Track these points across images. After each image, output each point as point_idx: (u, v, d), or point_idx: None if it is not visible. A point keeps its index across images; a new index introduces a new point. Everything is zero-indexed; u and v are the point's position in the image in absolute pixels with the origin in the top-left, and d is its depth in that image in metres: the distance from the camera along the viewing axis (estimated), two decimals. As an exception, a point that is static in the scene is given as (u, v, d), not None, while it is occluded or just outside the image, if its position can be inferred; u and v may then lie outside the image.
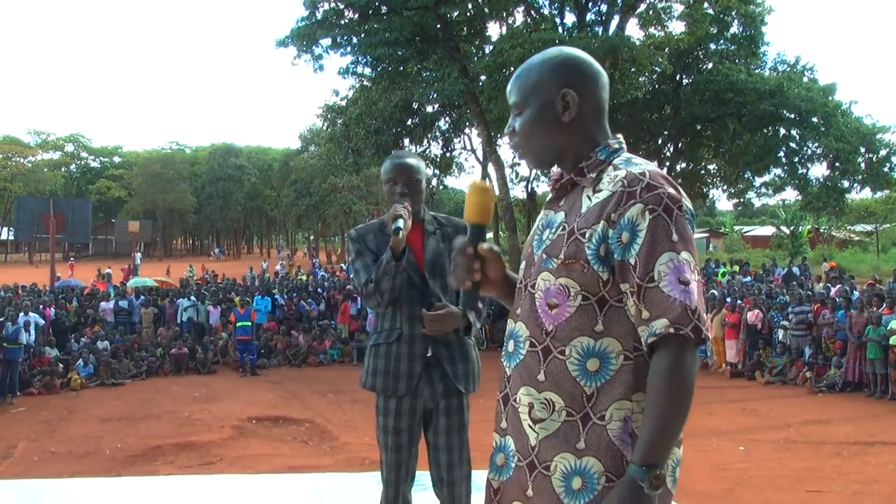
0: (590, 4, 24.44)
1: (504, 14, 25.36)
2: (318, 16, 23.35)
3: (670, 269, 1.66)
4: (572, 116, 1.86)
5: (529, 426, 1.80)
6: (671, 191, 1.71)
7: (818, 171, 29.53)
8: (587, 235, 1.74)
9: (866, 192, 34.16)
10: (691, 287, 1.66)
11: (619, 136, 1.92)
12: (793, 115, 26.15)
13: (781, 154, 27.87)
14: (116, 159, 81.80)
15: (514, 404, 1.84)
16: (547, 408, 1.77)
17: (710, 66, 28.05)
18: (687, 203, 1.74)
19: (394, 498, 3.38)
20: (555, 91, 1.86)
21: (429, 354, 3.30)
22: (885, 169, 27.28)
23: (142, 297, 21.45)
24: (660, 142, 30.61)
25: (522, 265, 1.95)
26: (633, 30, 38.87)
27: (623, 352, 1.73)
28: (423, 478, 3.54)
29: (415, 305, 3.28)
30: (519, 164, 37.89)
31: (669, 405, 1.65)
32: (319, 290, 23.04)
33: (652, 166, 1.78)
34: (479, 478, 3.41)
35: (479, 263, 1.95)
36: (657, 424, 1.65)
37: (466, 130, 35.38)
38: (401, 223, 3.12)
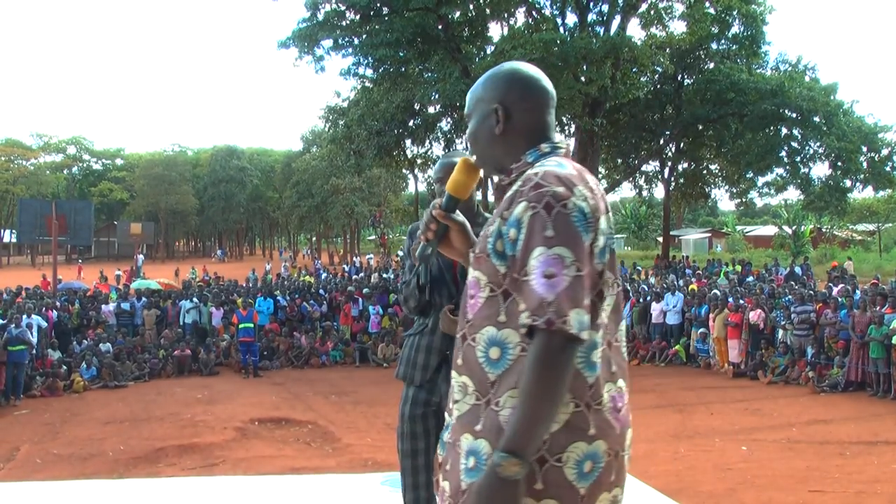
0: (591, 5, 24.44)
1: (505, 15, 25.38)
2: (320, 17, 23.36)
3: (539, 262, 1.73)
4: (502, 129, 1.99)
5: (452, 405, 1.93)
6: (558, 189, 1.78)
7: (820, 170, 29.62)
8: (490, 232, 1.88)
9: (868, 192, 34.16)
10: (555, 280, 1.71)
11: (558, 140, 2.01)
12: (794, 115, 26.16)
13: (783, 154, 27.88)
14: (119, 161, 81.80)
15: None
16: (462, 390, 1.90)
17: (712, 65, 28.09)
18: (577, 202, 1.79)
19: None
20: (491, 105, 2.00)
21: (448, 351, 3.30)
22: (887, 168, 27.29)
23: (143, 300, 21.46)
24: (661, 142, 30.63)
25: None
26: (635, 30, 38.99)
27: (520, 343, 1.80)
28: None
29: (444, 302, 3.33)
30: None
31: (530, 395, 1.69)
32: (322, 291, 23.05)
33: (555, 166, 1.86)
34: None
35: (435, 224, 2.13)
36: (519, 412, 1.71)
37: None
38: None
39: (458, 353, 1.94)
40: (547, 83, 2.05)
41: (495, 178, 2.09)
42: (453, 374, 1.96)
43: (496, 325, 1.85)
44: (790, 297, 17.34)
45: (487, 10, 24.46)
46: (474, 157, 2.12)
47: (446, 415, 2.00)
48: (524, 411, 1.70)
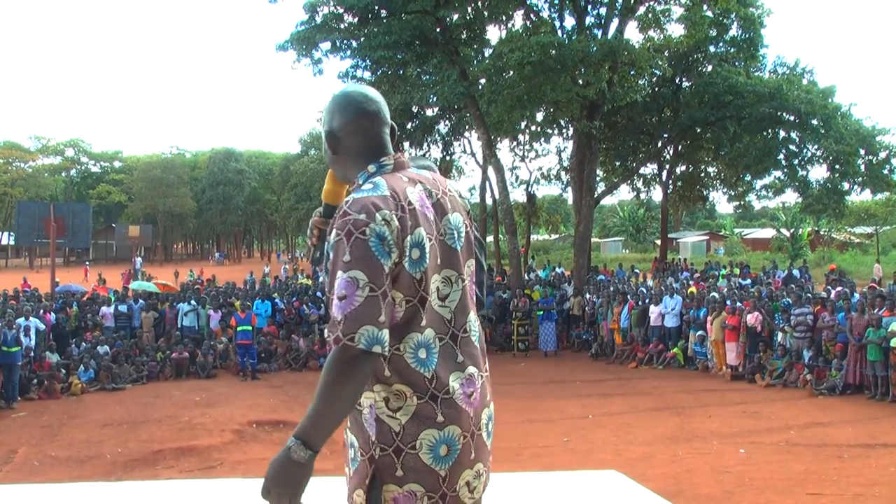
0: (589, 7, 24.48)
1: (503, 17, 25.40)
2: (318, 20, 23.39)
3: (336, 285, 1.93)
4: (334, 153, 2.23)
5: None
6: (359, 217, 1.96)
7: (818, 173, 29.56)
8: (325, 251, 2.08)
9: (866, 195, 34.21)
10: (345, 302, 1.91)
11: (386, 157, 2.19)
12: (792, 118, 26.18)
13: (781, 156, 27.88)
14: (117, 164, 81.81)
15: None
16: None
17: (710, 68, 28.09)
18: (376, 227, 1.96)
19: None
20: (324, 131, 2.23)
21: None
22: (885, 171, 27.29)
23: (141, 302, 21.43)
24: (659, 144, 30.64)
25: None
26: (633, 33, 38.90)
27: None
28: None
29: None
30: (518, 168, 38.04)
31: (320, 395, 1.93)
32: (319, 294, 23.04)
33: (367, 192, 2.03)
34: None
35: (318, 231, 2.40)
36: (311, 408, 1.96)
37: (466, 134, 35.44)
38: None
39: None
40: (373, 103, 2.21)
41: None
42: None
43: None
44: (788, 299, 17.34)
45: (485, 13, 24.49)
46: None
47: None
48: (315, 408, 1.94)
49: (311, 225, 2.41)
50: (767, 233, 63.41)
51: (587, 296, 22.32)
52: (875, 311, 14.21)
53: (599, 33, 23.64)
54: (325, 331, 2.00)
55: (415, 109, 29.22)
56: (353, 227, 1.94)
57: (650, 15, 24.48)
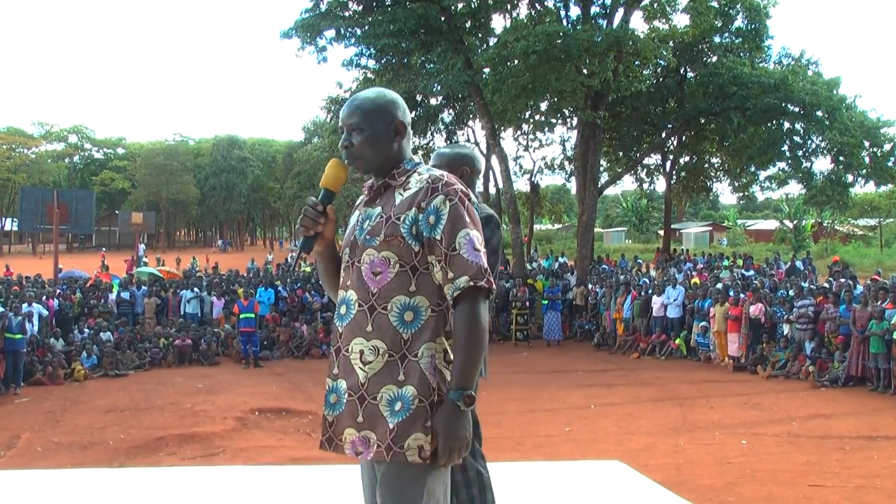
0: (594, -3, 24.38)
1: (508, 6, 25.27)
2: (323, 7, 23.29)
3: (467, 240, 2.28)
4: (397, 137, 2.47)
5: (360, 368, 2.33)
6: (462, 188, 2.37)
7: (822, 164, 29.53)
8: (401, 219, 2.34)
9: (870, 187, 34.08)
10: (481, 253, 2.29)
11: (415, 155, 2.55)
12: (797, 109, 26.09)
13: (785, 148, 27.79)
14: (120, 150, 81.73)
15: (346, 353, 2.37)
16: (374, 352, 2.31)
17: (715, 59, 27.99)
18: (473, 198, 2.45)
19: None
20: (394, 119, 2.46)
21: None
22: (890, 163, 27.18)
23: (144, 288, 21.46)
24: (664, 135, 30.57)
25: (346, 251, 2.48)
26: (638, 22, 38.80)
27: (430, 306, 2.32)
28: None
29: None
30: (522, 157, 37.94)
31: (471, 342, 2.24)
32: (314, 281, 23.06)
33: (445, 174, 2.41)
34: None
35: (323, 219, 2.52)
36: (463, 358, 2.24)
37: (470, 123, 35.30)
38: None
39: (364, 323, 2.34)
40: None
41: (366, 183, 2.54)
42: (358, 341, 2.34)
43: (407, 294, 2.32)
44: (790, 290, 17.31)
45: (490, 2, 24.36)
46: (346, 159, 2.51)
47: (333, 381, 2.41)
48: (468, 356, 2.24)
49: (313, 213, 2.50)
50: (771, 224, 63.31)
51: (590, 286, 22.33)
52: (878, 303, 14.19)
53: (604, 23, 23.56)
54: (464, 279, 2.25)
55: (419, 98, 29.10)
56: (465, 196, 2.35)
57: (655, 5, 24.38)
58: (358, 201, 2.58)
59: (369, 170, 2.48)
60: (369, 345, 2.32)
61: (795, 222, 49.75)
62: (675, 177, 33.41)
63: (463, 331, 2.24)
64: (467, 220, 2.30)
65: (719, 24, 27.06)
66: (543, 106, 28.59)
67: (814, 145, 27.65)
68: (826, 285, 18.17)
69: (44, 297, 18.70)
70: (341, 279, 2.49)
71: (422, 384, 2.27)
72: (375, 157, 2.45)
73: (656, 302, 19.19)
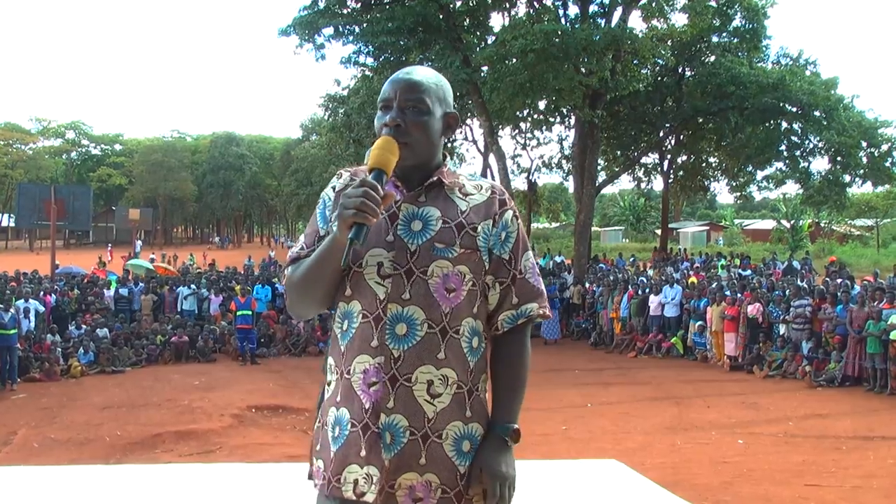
0: (592, -5, 24.37)
1: (507, 4, 25.27)
2: (321, 5, 23.28)
3: (532, 264, 2.14)
4: (448, 131, 2.17)
5: (427, 401, 1.98)
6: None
7: (819, 165, 29.49)
8: (477, 230, 2.05)
9: (867, 187, 34.17)
10: (541, 279, 2.16)
11: None
12: (795, 109, 26.15)
13: (783, 148, 27.88)
14: (117, 147, 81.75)
15: (407, 383, 1.97)
16: (444, 383, 1.99)
17: (713, 58, 28.03)
18: None
19: None
20: (449, 110, 2.16)
21: None
22: (887, 164, 27.27)
23: (141, 285, 21.45)
24: (661, 134, 30.61)
25: (384, 252, 2.01)
26: (636, 22, 38.82)
27: (484, 332, 2.10)
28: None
29: None
30: (520, 156, 37.94)
31: (524, 374, 2.12)
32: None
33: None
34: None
35: (386, 203, 1.97)
36: (519, 393, 2.11)
37: (468, 121, 35.29)
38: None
39: (436, 348, 1.99)
40: None
41: (393, 177, 2.05)
42: (426, 368, 1.98)
43: (472, 316, 2.05)
44: (786, 290, 17.32)
45: (488, 0, 24.38)
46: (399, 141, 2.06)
47: (386, 417, 1.97)
48: (520, 390, 2.11)
49: (374, 197, 1.90)
50: (768, 224, 63.42)
51: (587, 284, 22.32)
52: (875, 303, 14.20)
53: (603, 22, 23.55)
54: (536, 306, 2.12)
55: (417, 96, 29.14)
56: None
57: (654, 4, 24.37)
58: (339, 188, 2.14)
59: (413, 159, 2.06)
60: (439, 374, 1.98)
61: (792, 222, 49.81)
62: (672, 176, 33.47)
63: (518, 361, 2.10)
64: (527, 240, 2.16)
65: (717, 24, 27.09)
66: (541, 104, 28.61)
67: (811, 145, 27.73)
68: (822, 287, 18.18)
69: (41, 293, 18.67)
70: (381, 290, 2.00)
71: (486, 420, 2.07)
72: (426, 146, 2.08)
73: (653, 301, 19.19)
